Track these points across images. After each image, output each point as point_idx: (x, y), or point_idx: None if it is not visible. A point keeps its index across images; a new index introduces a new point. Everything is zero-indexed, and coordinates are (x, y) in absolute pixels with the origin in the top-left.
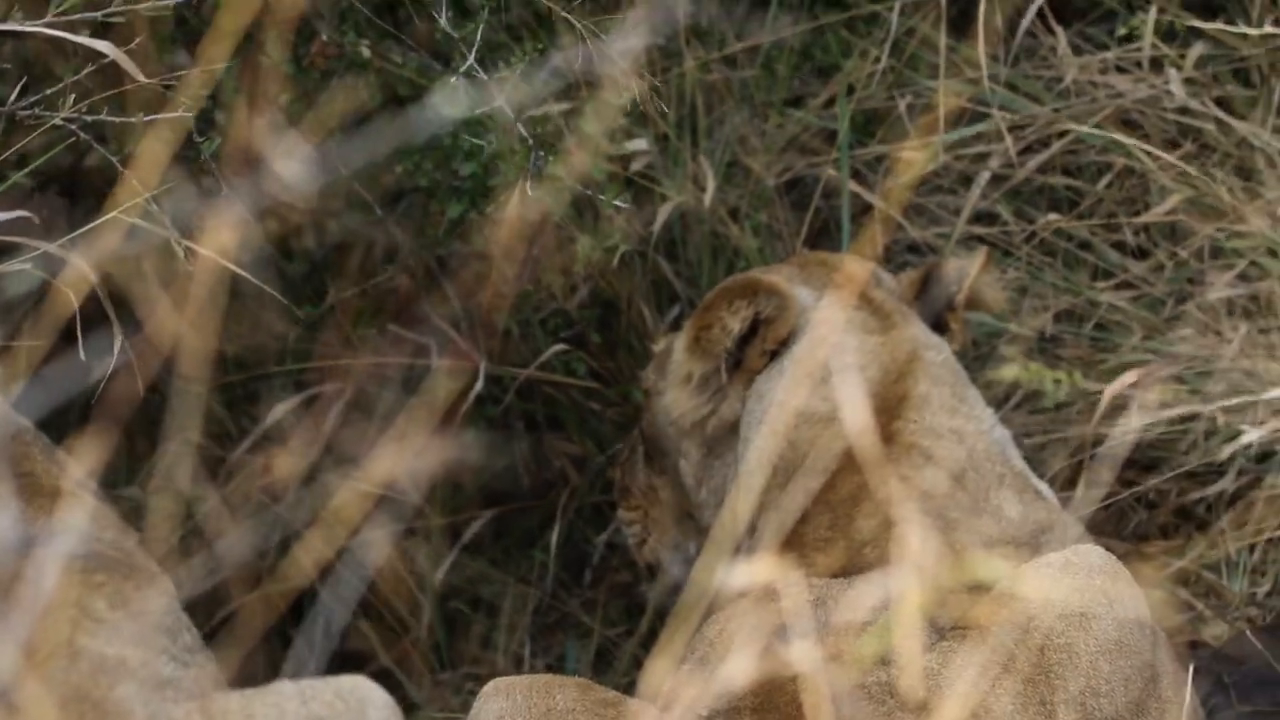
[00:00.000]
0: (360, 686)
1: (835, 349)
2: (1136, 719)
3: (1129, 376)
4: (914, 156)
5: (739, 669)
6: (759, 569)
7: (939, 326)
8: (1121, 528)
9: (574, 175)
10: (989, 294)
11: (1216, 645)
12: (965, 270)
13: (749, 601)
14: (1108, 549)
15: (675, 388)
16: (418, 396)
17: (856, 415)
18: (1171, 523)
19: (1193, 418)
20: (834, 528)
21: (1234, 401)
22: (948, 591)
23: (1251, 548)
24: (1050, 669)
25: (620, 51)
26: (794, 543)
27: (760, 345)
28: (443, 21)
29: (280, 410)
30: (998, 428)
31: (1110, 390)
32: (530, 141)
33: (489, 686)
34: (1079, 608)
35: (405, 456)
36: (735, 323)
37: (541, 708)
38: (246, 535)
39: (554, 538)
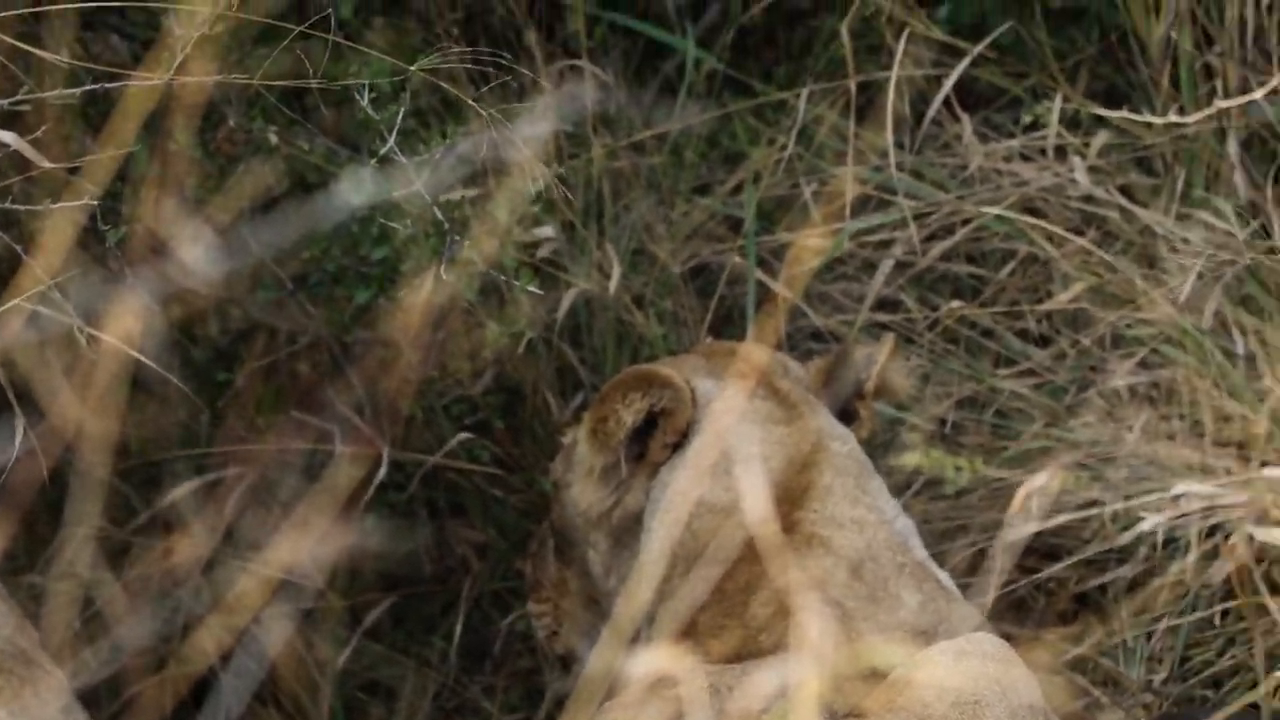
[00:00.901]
0: None
1: (738, 439)
2: None
3: (1041, 475)
4: (818, 244)
5: None
6: (656, 657)
7: (846, 414)
8: (1021, 615)
9: (485, 260)
10: (896, 381)
11: None
12: (873, 357)
13: (645, 690)
14: (1006, 636)
15: (580, 480)
16: (320, 482)
17: (756, 505)
18: (1070, 609)
19: (1093, 504)
20: (730, 615)
21: (1135, 489)
22: (844, 679)
23: (1149, 635)
24: None
25: (527, 138)
26: (691, 631)
27: (661, 437)
28: (364, 104)
29: (180, 493)
30: (901, 517)
31: (1026, 487)
32: (446, 225)
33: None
34: (972, 695)
35: (307, 542)
36: (629, 415)
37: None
38: (146, 620)
39: (457, 624)
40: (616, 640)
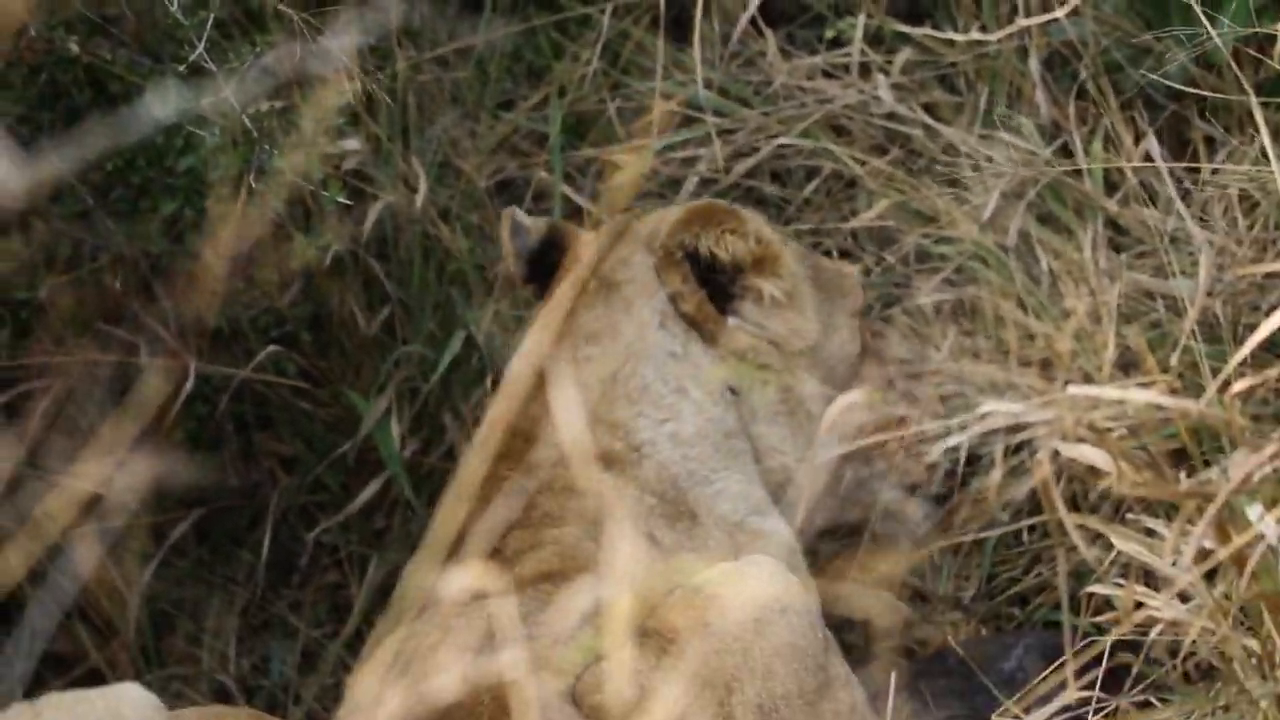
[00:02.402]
0: (122, 689)
1: (550, 360)
2: (810, 717)
3: (849, 393)
4: (626, 160)
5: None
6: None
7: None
8: (828, 534)
9: (293, 172)
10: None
11: (919, 656)
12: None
13: (455, 610)
14: (813, 554)
15: None
16: (127, 396)
17: (568, 425)
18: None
19: (900, 421)
20: (542, 536)
21: (940, 406)
22: (650, 598)
23: (956, 551)
24: (727, 673)
25: (333, 51)
26: (502, 551)
27: None
28: (174, 9)
29: None
30: (723, 424)
31: (835, 405)
32: (255, 135)
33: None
34: (753, 614)
35: (114, 457)
36: None
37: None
38: None
39: (264, 538)
40: (430, 558)
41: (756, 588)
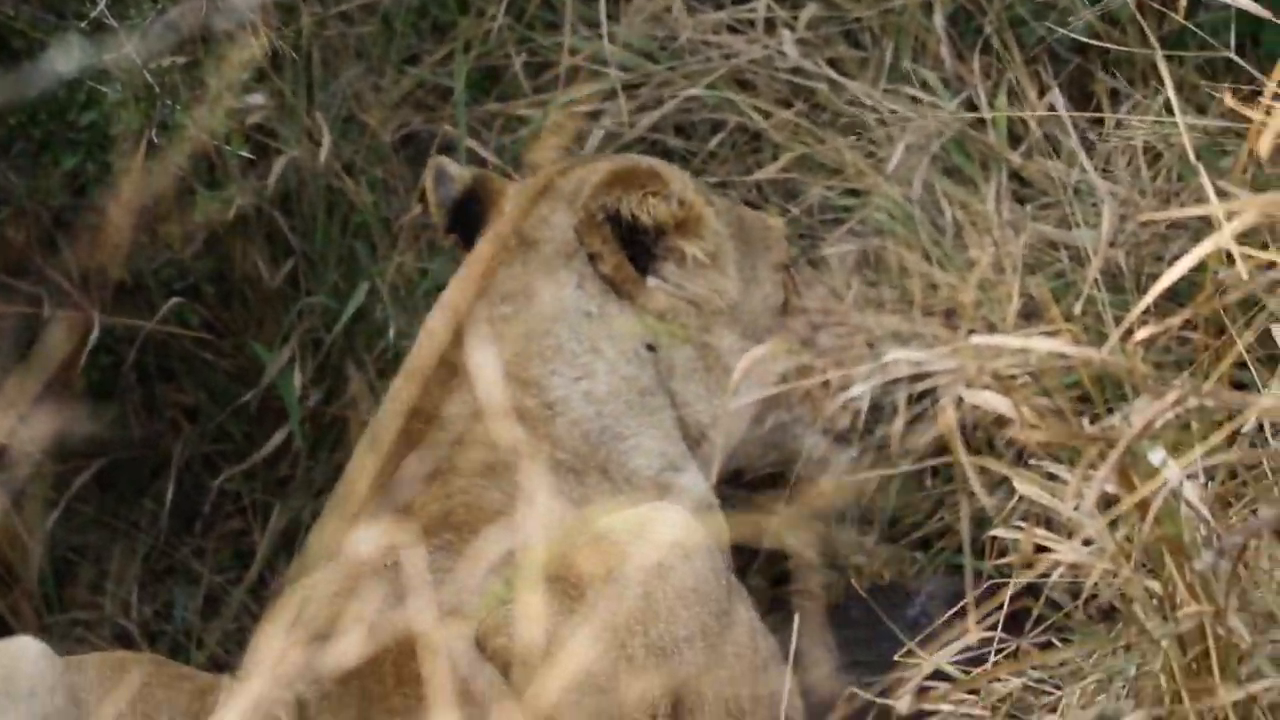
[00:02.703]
0: (17, 643)
1: (466, 317)
2: (712, 661)
3: (758, 351)
4: (531, 114)
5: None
6: (374, 530)
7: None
8: (736, 480)
9: (198, 127)
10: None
11: (824, 602)
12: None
13: (361, 562)
14: (725, 500)
15: None
16: (32, 349)
17: (481, 381)
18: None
19: (805, 371)
20: (451, 488)
21: (845, 356)
22: (555, 548)
23: (859, 497)
24: (629, 616)
25: (238, 5)
26: (411, 504)
27: None
28: None
29: None
30: (634, 392)
31: (748, 356)
32: (158, 90)
33: (59, 663)
34: (656, 558)
35: (18, 409)
36: None
37: (114, 681)
38: None
39: (167, 487)
40: (339, 511)
41: (660, 533)
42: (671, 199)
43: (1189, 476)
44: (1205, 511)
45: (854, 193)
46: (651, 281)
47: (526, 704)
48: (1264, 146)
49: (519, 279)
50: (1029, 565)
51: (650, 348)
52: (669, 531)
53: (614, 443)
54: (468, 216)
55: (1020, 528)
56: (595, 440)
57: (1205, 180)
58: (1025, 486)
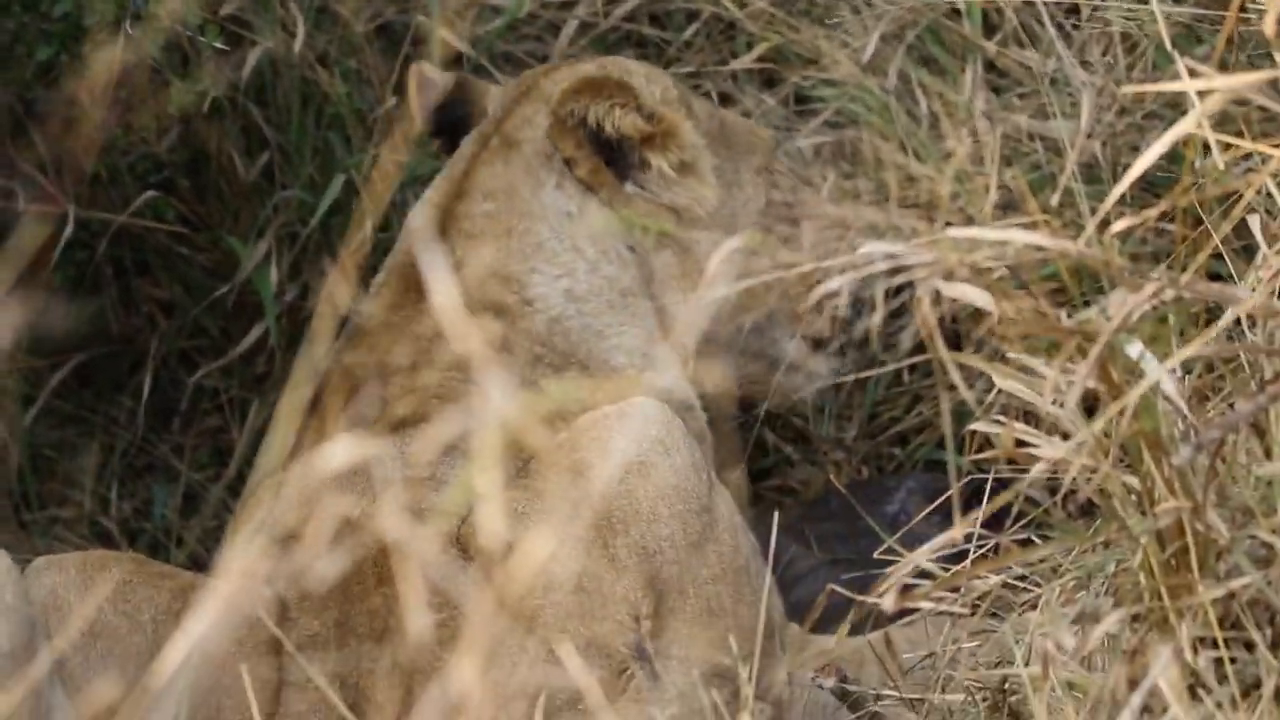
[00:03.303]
0: None
1: (447, 214)
2: (694, 560)
3: (732, 242)
4: (504, 4)
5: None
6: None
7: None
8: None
9: (170, 17)
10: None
11: (803, 499)
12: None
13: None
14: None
15: None
16: (5, 242)
17: (462, 275)
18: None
19: (786, 267)
20: (420, 381)
21: (821, 249)
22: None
23: (837, 390)
24: (612, 515)
25: None
26: (387, 398)
27: None
28: None
29: None
30: (614, 292)
31: (720, 251)
32: None
33: (39, 562)
34: (637, 456)
35: None
36: None
37: (95, 580)
38: None
39: (144, 382)
40: (286, 422)
41: (639, 429)
42: (640, 110)
43: (1168, 371)
44: (1183, 406)
45: (829, 83)
46: (629, 188)
47: (507, 604)
48: (1269, 26)
49: (500, 178)
50: (1011, 461)
51: (631, 249)
52: (648, 427)
53: (595, 340)
54: (452, 120)
55: (1000, 422)
56: (575, 338)
57: (1180, 66)
58: (1005, 381)
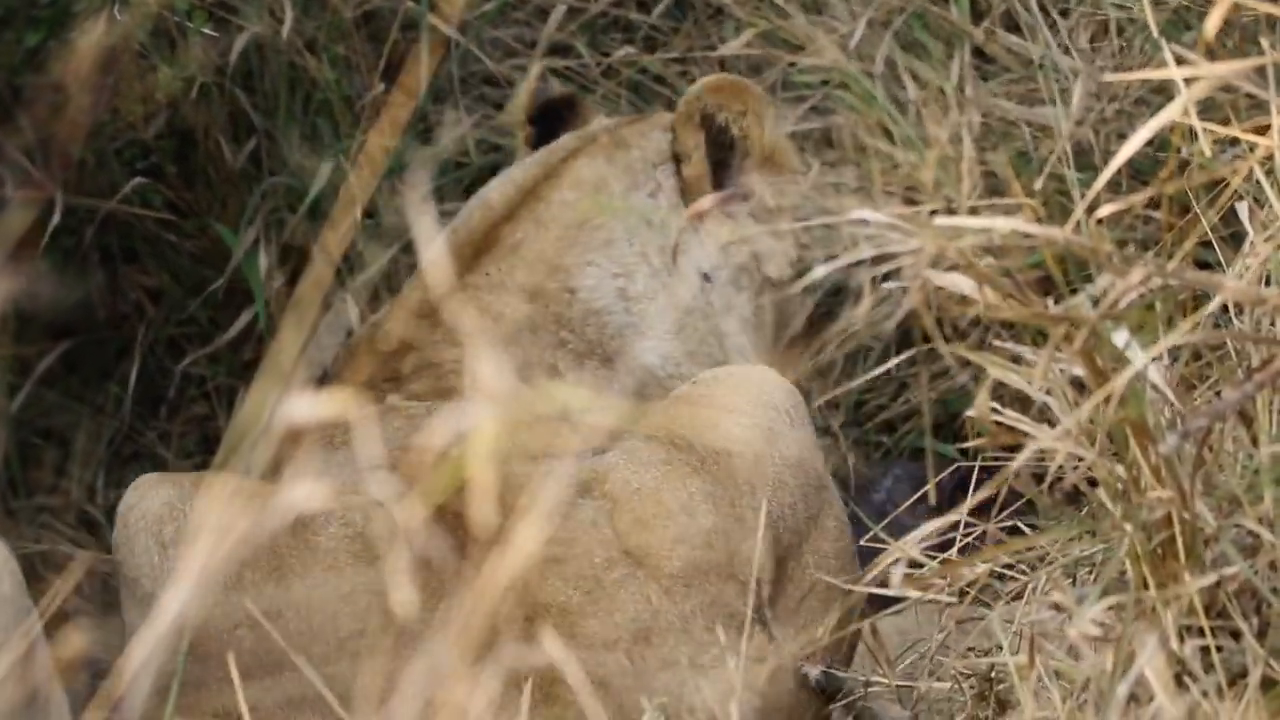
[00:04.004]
0: None
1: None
2: (812, 533)
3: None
4: None
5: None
6: (324, 400)
7: None
8: None
9: (159, 2)
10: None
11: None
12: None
13: (313, 432)
14: None
15: None
16: None
17: (503, 257)
18: None
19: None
20: (438, 355)
21: (806, 236)
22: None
23: (824, 378)
24: (740, 476)
25: None
26: (400, 370)
27: None
28: None
29: None
30: (671, 304)
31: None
32: None
33: (148, 478)
34: (766, 422)
35: None
36: None
37: (207, 490)
38: None
39: (132, 370)
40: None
41: (766, 395)
42: (766, 128)
43: (1154, 359)
44: (1170, 394)
45: (815, 68)
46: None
47: (634, 557)
48: (1211, 26)
49: (597, 171)
50: (1007, 448)
51: (707, 277)
52: (775, 394)
53: (633, 336)
54: (549, 118)
55: (996, 410)
56: (611, 331)
57: (1167, 51)
58: (994, 369)
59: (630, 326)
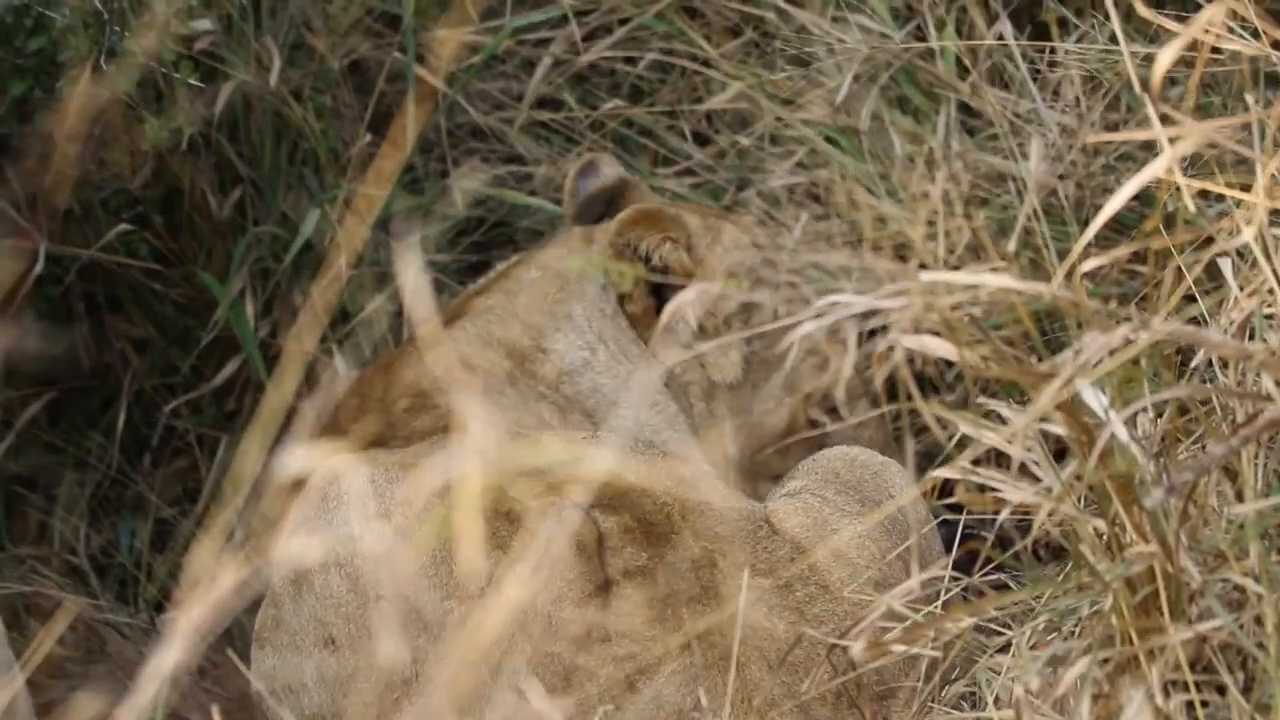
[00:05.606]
0: None
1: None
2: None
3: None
4: (480, 41)
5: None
6: (313, 454)
7: None
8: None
9: (144, 53)
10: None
11: None
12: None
13: (302, 485)
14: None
15: None
16: None
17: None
18: None
19: (753, 307)
20: (377, 411)
21: (793, 292)
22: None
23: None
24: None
25: None
26: (392, 419)
27: None
28: None
29: None
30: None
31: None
32: (105, 17)
33: (336, 463)
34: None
35: None
36: None
37: (400, 465)
38: None
39: (117, 419)
40: (261, 435)
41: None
42: (690, 253)
43: (1139, 411)
44: (1139, 454)
45: (803, 123)
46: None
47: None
48: (1156, 77)
49: (561, 259)
50: (994, 509)
51: (666, 384)
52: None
53: (604, 403)
54: (597, 209)
55: (969, 469)
56: (586, 391)
57: (1151, 108)
58: (969, 428)
59: (599, 390)
